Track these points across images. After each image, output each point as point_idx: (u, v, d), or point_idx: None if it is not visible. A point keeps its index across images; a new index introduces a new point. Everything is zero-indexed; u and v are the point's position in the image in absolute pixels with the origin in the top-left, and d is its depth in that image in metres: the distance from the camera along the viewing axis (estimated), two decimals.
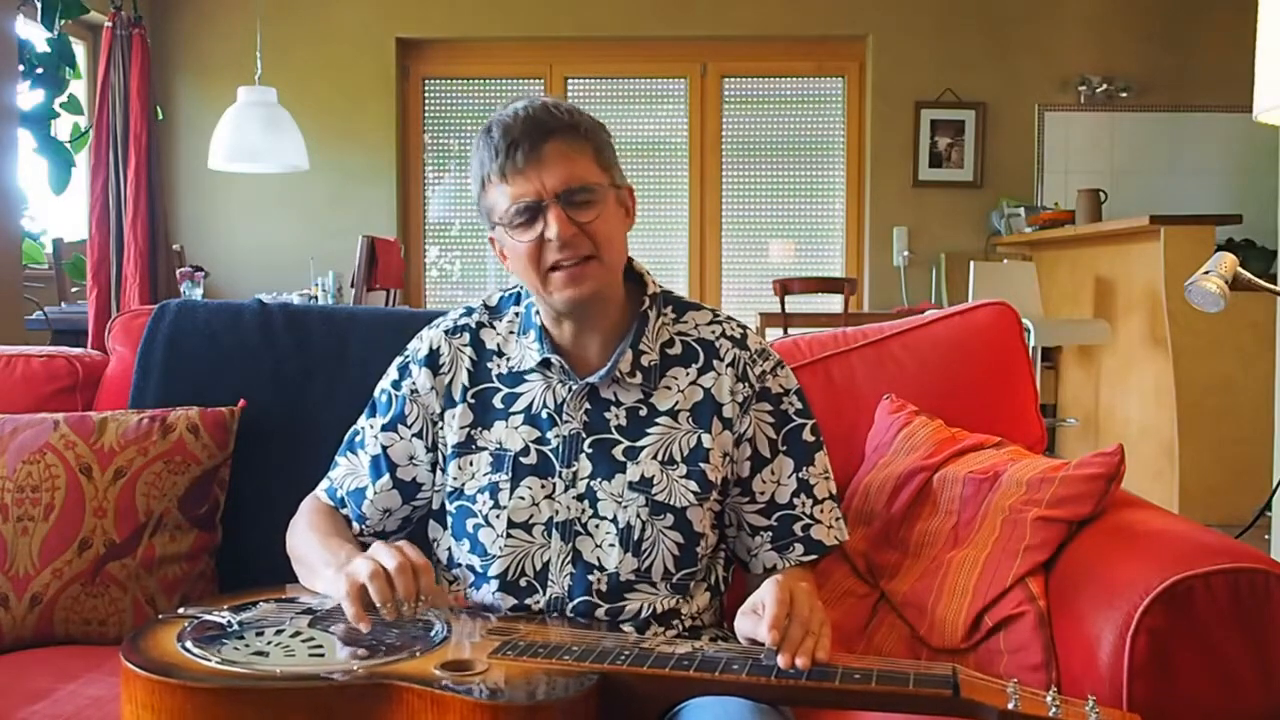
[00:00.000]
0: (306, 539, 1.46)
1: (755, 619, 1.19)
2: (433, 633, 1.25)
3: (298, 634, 1.26)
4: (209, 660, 1.17)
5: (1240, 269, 2.42)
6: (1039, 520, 1.44)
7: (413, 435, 1.47)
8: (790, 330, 4.94)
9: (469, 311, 1.51)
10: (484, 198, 1.39)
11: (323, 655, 1.20)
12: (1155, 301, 4.59)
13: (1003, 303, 1.89)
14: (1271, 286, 2.50)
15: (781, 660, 1.13)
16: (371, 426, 1.50)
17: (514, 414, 1.43)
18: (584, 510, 1.39)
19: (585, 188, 1.34)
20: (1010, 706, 1.05)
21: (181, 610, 1.34)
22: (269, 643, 1.23)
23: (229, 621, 1.29)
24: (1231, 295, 2.40)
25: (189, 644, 1.21)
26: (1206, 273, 2.41)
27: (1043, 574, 1.41)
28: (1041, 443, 1.81)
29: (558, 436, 1.41)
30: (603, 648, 1.19)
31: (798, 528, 1.44)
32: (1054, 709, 1.04)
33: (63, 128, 4.31)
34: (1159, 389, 4.64)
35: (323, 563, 1.38)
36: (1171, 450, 4.51)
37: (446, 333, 1.49)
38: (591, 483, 1.40)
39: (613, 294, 1.41)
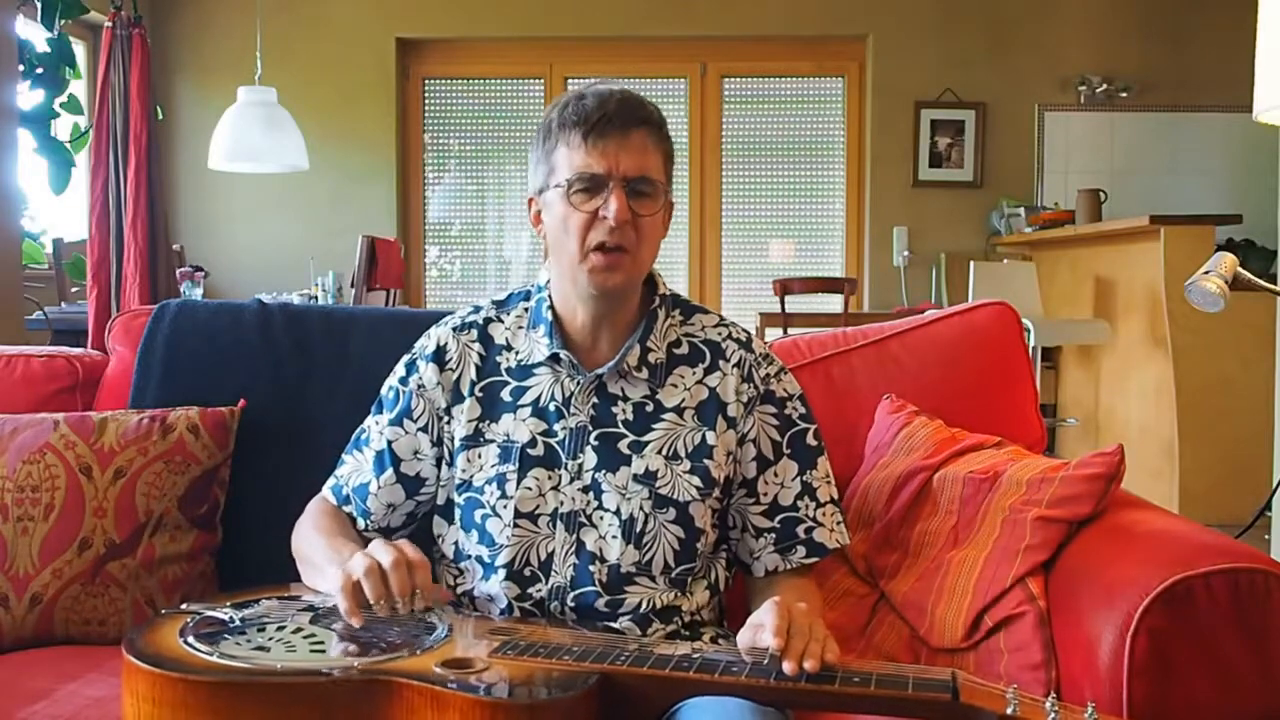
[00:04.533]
0: (312, 539, 1.47)
1: (757, 629, 1.19)
2: (433, 631, 1.25)
3: (299, 630, 1.26)
4: (210, 655, 1.17)
5: (1240, 269, 2.43)
6: (1039, 520, 1.44)
7: (418, 430, 1.48)
8: (790, 330, 4.94)
9: (476, 309, 1.54)
10: (548, 156, 1.40)
11: (324, 651, 1.20)
12: (1155, 301, 4.59)
13: (1003, 303, 1.89)
14: (1271, 286, 2.50)
15: (788, 667, 1.12)
16: (377, 423, 1.51)
17: (522, 406, 1.45)
18: (589, 502, 1.41)
19: (652, 181, 1.39)
20: (1009, 712, 1.05)
21: (184, 606, 1.35)
22: (270, 638, 1.23)
23: (231, 617, 1.29)
24: (1231, 295, 2.40)
25: (191, 639, 1.22)
26: (1206, 273, 2.41)
27: (1043, 574, 1.41)
28: (1041, 443, 1.81)
29: (564, 429, 1.43)
30: (603, 648, 1.19)
31: (800, 530, 1.46)
32: (1053, 715, 1.03)
33: (63, 128, 4.31)
34: (1159, 389, 4.64)
35: (327, 561, 1.38)
36: (1171, 450, 4.51)
37: (454, 330, 1.51)
38: (596, 475, 1.41)
39: (634, 290, 1.46)
